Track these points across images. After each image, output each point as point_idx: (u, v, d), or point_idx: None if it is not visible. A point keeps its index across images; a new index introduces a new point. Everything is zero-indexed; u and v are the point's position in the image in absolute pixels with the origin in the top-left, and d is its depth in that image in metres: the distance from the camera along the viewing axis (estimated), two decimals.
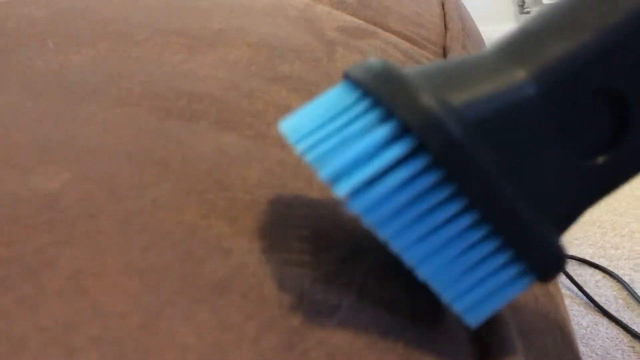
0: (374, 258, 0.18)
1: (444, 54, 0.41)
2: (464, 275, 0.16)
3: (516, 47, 0.17)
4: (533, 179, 0.16)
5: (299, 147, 0.16)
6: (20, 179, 0.17)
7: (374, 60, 0.16)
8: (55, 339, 0.13)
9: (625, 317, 1.01)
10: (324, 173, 0.15)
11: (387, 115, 0.15)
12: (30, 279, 0.14)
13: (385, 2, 0.44)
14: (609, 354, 0.98)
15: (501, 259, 0.16)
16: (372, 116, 0.15)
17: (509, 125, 0.16)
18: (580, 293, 1.06)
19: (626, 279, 1.11)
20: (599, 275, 1.11)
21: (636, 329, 0.96)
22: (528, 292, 0.21)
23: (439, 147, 0.15)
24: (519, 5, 2.93)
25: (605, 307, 1.02)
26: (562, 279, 1.09)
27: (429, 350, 0.16)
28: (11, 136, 0.19)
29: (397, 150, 0.15)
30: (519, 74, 0.16)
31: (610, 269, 1.14)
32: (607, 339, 0.98)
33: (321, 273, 0.17)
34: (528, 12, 2.94)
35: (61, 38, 0.27)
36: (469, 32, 0.50)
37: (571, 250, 1.20)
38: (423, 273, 0.15)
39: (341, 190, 0.14)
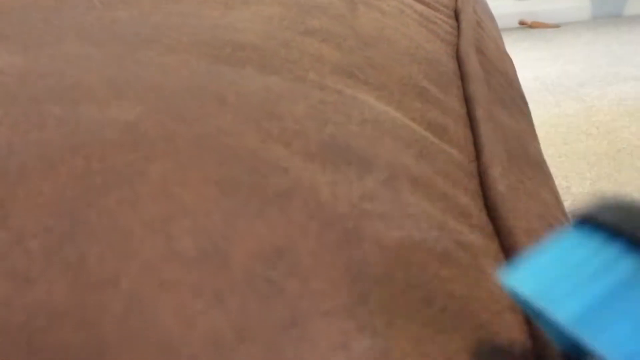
0: (411, 184, 0.20)
1: (456, 16, 0.43)
2: None
3: None
4: None
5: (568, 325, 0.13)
6: (100, 112, 0.19)
7: (613, 199, 0.15)
8: (156, 229, 0.15)
9: None
10: (598, 346, 0.12)
11: None
12: (125, 185, 0.16)
13: None
14: None
15: None
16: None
17: None
18: None
19: None
20: None
21: None
22: None
23: None
24: None
25: None
26: None
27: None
28: (84, 77, 0.21)
29: None
30: None
31: None
32: None
33: (368, 188, 0.19)
34: None
35: None
36: (478, 1, 0.52)
37: None
38: None
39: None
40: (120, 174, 0.16)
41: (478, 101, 0.29)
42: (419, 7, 0.39)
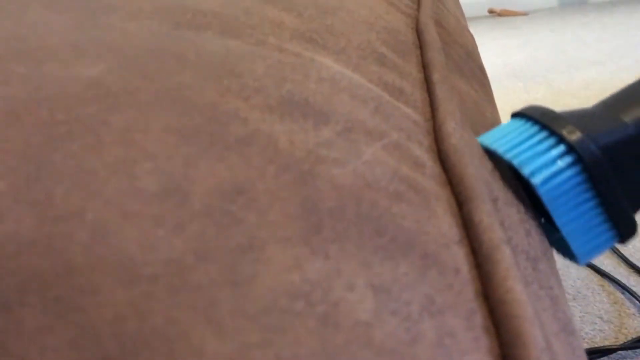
0: (368, 137, 0.21)
1: (418, 3, 0.44)
2: (585, 236, 0.27)
3: (620, 104, 0.28)
4: (629, 184, 0.27)
5: (507, 155, 0.26)
6: (63, 69, 0.20)
7: (537, 105, 0.28)
8: (119, 170, 0.16)
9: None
10: (525, 171, 0.25)
11: (558, 141, 0.26)
12: (89, 133, 0.17)
13: None
14: (580, 292, 1.04)
15: (606, 227, 0.27)
16: (549, 140, 0.26)
17: (617, 149, 0.26)
18: None
19: None
20: None
21: (604, 270, 1.02)
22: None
23: (587, 158, 0.25)
24: None
25: None
26: None
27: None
28: (47, 39, 0.21)
29: (566, 160, 0.25)
30: (625, 120, 0.27)
31: None
32: (578, 279, 1.04)
33: (324, 138, 0.20)
34: None
35: None
36: None
37: None
38: (565, 232, 0.26)
39: (535, 181, 0.24)
40: (84, 123, 0.17)
41: (435, 67, 0.30)
42: None
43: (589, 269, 1.02)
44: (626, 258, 1.00)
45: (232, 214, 0.15)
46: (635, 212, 0.28)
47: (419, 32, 0.35)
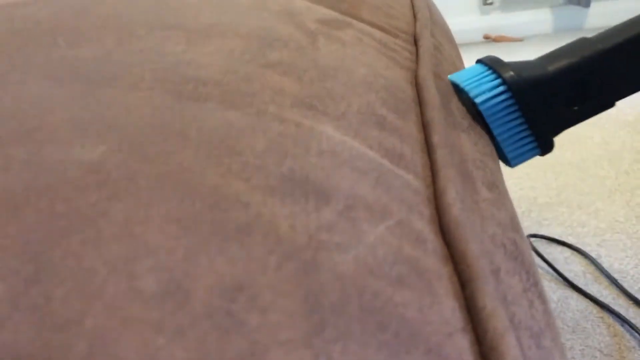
0: (368, 213, 0.21)
1: (415, 42, 0.44)
2: (515, 145, 0.39)
3: (549, 58, 0.39)
4: (549, 113, 0.39)
5: (464, 86, 0.38)
6: (64, 152, 0.20)
7: (491, 56, 0.40)
8: (119, 269, 0.16)
9: (593, 290, 1.06)
10: (471, 94, 0.37)
11: (497, 77, 0.37)
12: (89, 226, 0.17)
13: None
14: (579, 325, 1.03)
15: (530, 140, 0.39)
16: (492, 76, 0.38)
17: (540, 86, 0.38)
18: (550, 270, 1.11)
19: (593, 254, 1.16)
20: (567, 252, 1.16)
21: (604, 301, 1.01)
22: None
23: (514, 87, 0.37)
24: None
25: (575, 282, 1.07)
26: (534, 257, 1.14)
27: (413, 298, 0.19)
28: (47, 118, 0.21)
29: (500, 88, 0.37)
30: (549, 68, 0.38)
31: (578, 245, 1.19)
32: (577, 311, 1.03)
33: (326, 220, 0.20)
34: (491, 4, 3.01)
35: (69, 35, 0.29)
36: (436, 21, 0.54)
37: (541, 230, 1.25)
38: (500, 139, 0.39)
39: (477, 100, 0.36)
40: (84, 215, 0.17)
41: (434, 128, 0.30)
42: (378, 34, 0.41)
43: (588, 300, 1.02)
44: (625, 290, 1.00)
45: (234, 315, 0.15)
46: (555, 134, 0.41)
47: (418, 88, 0.35)
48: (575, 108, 0.40)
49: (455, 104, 0.38)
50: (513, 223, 0.30)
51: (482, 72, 0.38)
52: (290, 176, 0.21)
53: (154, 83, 0.25)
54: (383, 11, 0.46)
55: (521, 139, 0.39)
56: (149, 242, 0.17)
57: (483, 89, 0.37)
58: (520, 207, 1.34)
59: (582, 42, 0.39)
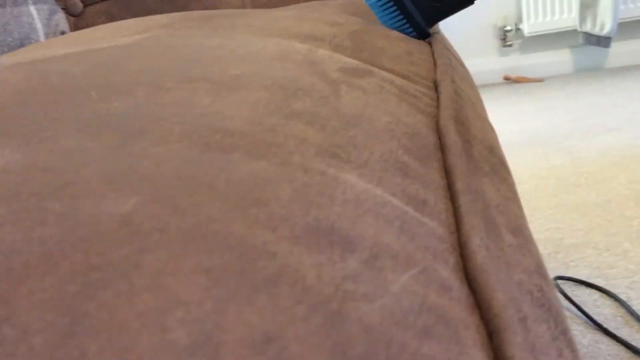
0: (396, 264, 0.21)
1: (435, 87, 0.45)
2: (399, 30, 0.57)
3: None
4: (421, 6, 0.56)
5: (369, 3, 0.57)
6: (96, 205, 0.20)
7: None
8: (151, 321, 0.16)
9: (624, 334, 1.04)
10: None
11: None
12: (122, 279, 0.17)
13: (378, 43, 0.49)
14: None
15: (410, 30, 0.57)
16: None
17: None
18: (579, 313, 1.09)
19: (623, 297, 1.14)
20: (596, 294, 1.14)
21: (636, 345, 0.99)
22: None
23: None
24: (501, 39, 3.02)
25: (605, 325, 1.04)
26: (561, 300, 1.12)
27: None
28: (81, 171, 0.22)
29: None
30: None
31: (607, 288, 1.17)
32: (609, 356, 1.00)
33: (351, 269, 0.20)
34: (510, 45, 3.03)
35: (101, 89, 0.31)
36: (455, 66, 0.55)
37: (568, 272, 1.23)
38: (387, 27, 0.59)
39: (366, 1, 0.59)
40: (117, 268, 0.18)
41: (457, 174, 0.30)
42: (399, 81, 0.42)
43: (619, 344, 0.99)
44: None
45: None
46: (429, 26, 0.55)
47: (439, 134, 0.36)
48: (438, 4, 0.54)
49: (477, 148, 0.39)
50: (539, 269, 0.29)
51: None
52: (315, 225, 0.22)
53: (183, 135, 0.26)
54: (403, 58, 0.47)
55: (401, 27, 0.55)
56: (180, 293, 0.17)
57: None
58: (546, 248, 1.32)
59: None
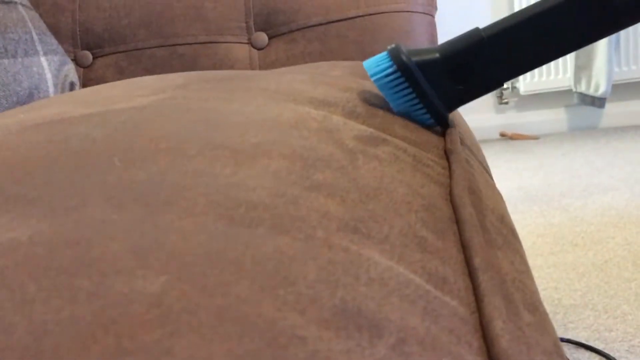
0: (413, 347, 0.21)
1: (446, 155, 0.45)
2: (413, 115, 0.50)
3: (442, 45, 0.50)
4: (440, 90, 0.48)
5: (366, 67, 0.49)
6: (126, 283, 0.20)
7: (397, 44, 0.48)
8: None
9: None
10: (369, 72, 0.48)
11: (390, 59, 0.48)
12: None
13: (390, 109, 0.49)
14: None
15: (424, 112, 0.50)
16: (388, 60, 0.48)
17: (428, 66, 0.48)
18: None
19: None
20: (595, 358, 1.12)
21: None
22: None
23: (398, 66, 0.47)
24: (498, 97, 3.08)
25: None
26: None
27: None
28: (109, 246, 0.22)
29: (392, 68, 0.48)
30: (437, 53, 0.48)
31: (606, 351, 1.15)
32: None
33: (380, 355, 0.20)
34: (506, 103, 3.09)
35: (124, 155, 0.31)
36: (464, 132, 0.55)
37: (567, 334, 1.22)
38: (397, 110, 0.49)
39: (372, 79, 0.48)
40: (149, 353, 0.17)
41: (475, 249, 0.30)
42: (411, 149, 0.42)
43: None
44: None
45: None
46: (449, 111, 0.50)
47: (454, 206, 0.36)
48: (461, 87, 0.48)
49: (489, 219, 0.39)
50: (557, 349, 0.29)
51: (383, 58, 0.49)
52: (342, 307, 0.22)
53: (207, 207, 0.26)
54: (414, 126, 0.48)
55: (417, 110, 0.49)
56: None
57: (378, 70, 0.48)
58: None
59: (471, 31, 0.48)
